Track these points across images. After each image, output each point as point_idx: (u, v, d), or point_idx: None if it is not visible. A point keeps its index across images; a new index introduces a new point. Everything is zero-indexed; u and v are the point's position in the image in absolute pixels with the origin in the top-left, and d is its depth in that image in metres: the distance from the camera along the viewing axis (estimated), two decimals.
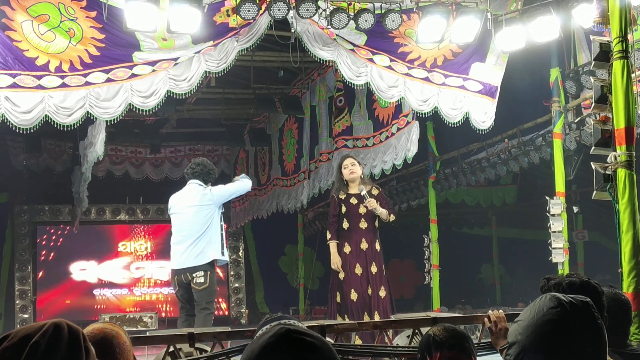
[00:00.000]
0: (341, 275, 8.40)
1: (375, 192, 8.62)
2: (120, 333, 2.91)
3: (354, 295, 8.31)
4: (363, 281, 8.37)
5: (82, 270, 18.44)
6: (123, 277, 18.72)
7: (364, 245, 8.48)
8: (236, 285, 19.34)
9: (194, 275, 8.12)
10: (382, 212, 8.45)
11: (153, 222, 19.17)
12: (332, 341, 4.96)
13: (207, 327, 7.07)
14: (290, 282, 19.91)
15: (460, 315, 7.33)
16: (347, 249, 8.48)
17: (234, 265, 19.44)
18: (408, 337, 5.37)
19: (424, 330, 4.80)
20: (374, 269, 8.45)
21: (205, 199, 8.28)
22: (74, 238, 18.37)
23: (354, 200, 8.55)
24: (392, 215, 8.56)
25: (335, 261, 8.40)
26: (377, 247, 8.56)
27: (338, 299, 8.43)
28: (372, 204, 8.40)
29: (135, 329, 15.14)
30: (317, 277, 19.84)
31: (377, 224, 8.62)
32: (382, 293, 8.39)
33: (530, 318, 1.97)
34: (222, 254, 8.28)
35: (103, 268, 18.59)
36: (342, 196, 8.60)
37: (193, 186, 8.42)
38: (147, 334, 4.90)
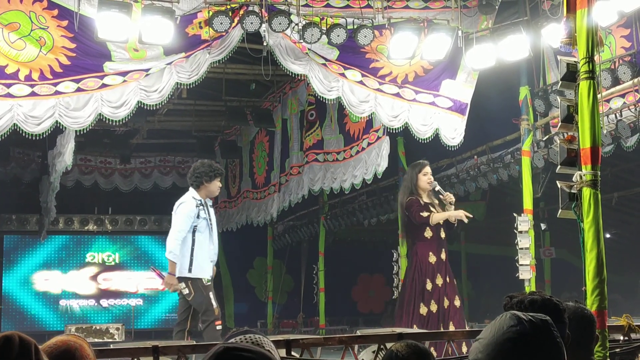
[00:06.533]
0: (429, 286, 8.19)
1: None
2: (83, 345, 2.88)
3: (433, 307, 8.14)
4: (442, 292, 8.22)
5: (48, 281, 18.25)
6: (90, 288, 18.55)
7: (443, 255, 8.37)
8: None
9: (180, 286, 8.08)
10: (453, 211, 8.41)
11: (121, 233, 19.06)
12: (297, 356, 4.95)
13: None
14: (258, 295, 19.82)
15: (426, 331, 7.36)
16: (432, 258, 8.29)
17: None
18: (373, 352, 5.38)
19: (390, 345, 4.81)
20: (449, 279, 8.39)
21: (175, 210, 8.19)
22: (41, 248, 18.21)
23: (434, 210, 8.39)
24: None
25: (454, 214, 8.24)
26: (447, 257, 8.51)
27: (422, 311, 8.13)
28: (450, 197, 8.36)
29: (101, 340, 14.99)
30: (286, 290, 19.80)
31: None
32: (457, 303, 8.29)
33: (490, 336, 1.98)
34: (190, 270, 8.04)
35: (70, 278, 18.41)
36: (422, 203, 8.43)
37: (186, 193, 8.31)
38: (111, 346, 4.86)
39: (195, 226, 8.12)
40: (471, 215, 8.50)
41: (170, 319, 19.02)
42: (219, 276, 19.53)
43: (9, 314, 17.84)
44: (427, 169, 8.57)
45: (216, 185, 8.28)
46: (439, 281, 8.25)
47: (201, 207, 8.15)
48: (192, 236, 8.10)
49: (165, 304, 19.01)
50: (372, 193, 15.61)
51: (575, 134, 4.98)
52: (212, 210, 8.41)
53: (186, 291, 8.00)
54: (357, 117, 9.93)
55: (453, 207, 8.44)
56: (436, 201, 8.47)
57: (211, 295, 8.03)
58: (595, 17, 5.03)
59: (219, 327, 7.95)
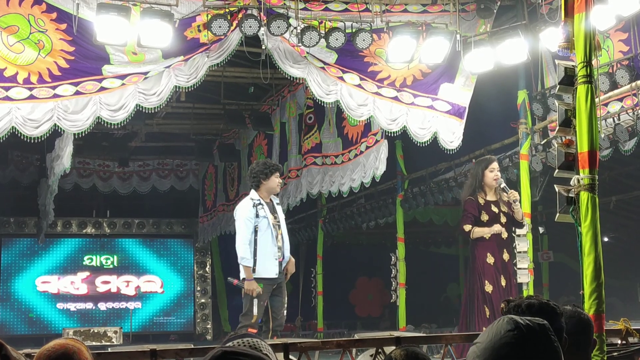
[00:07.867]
0: (489, 288, 8.08)
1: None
2: (82, 349, 2.87)
3: (495, 309, 7.99)
4: (506, 294, 8.02)
5: (46, 284, 18.23)
6: (88, 291, 18.52)
7: (505, 256, 8.28)
8: (202, 300, 19.24)
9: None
10: (519, 210, 8.28)
11: (120, 236, 19.04)
12: (295, 359, 4.96)
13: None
14: None
15: (424, 335, 7.37)
16: (490, 259, 8.19)
17: (200, 280, 19.35)
18: (371, 356, 5.38)
19: (387, 349, 4.81)
20: (513, 281, 8.29)
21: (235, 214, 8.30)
22: (39, 251, 18.19)
23: (495, 209, 8.33)
24: (524, 217, 8.36)
25: (496, 229, 8.12)
26: (510, 258, 8.40)
27: (488, 314, 7.99)
28: (515, 195, 8.24)
29: (99, 343, 14.97)
30: None
31: None
32: None
33: (487, 341, 1.98)
34: (254, 270, 8.08)
35: (68, 281, 18.39)
36: (481, 201, 8.38)
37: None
38: (109, 350, 4.86)
39: (256, 226, 8.10)
40: (506, 233, 8.39)
41: (168, 323, 19.03)
42: (214, 280, 19.55)
43: (7, 317, 17.82)
44: (495, 165, 8.51)
45: (275, 182, 8.27)
46: (503, 283, 8.13)
47: (259, 206, 8.12)
48: (254, 236, 8.10)
49: (163, 307, 19.00)
50: (370, 196, 15.61)
51: (573, 138, 4.98)
52: (279, 208, 8.40)
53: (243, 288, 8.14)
54: (356, 120, 9.93)
55: (519, 204, 8.37)
56: (504, 198, 8.41)
57: (255, 302, 8.03)
58: (593, 21, 5.03)
59: None
